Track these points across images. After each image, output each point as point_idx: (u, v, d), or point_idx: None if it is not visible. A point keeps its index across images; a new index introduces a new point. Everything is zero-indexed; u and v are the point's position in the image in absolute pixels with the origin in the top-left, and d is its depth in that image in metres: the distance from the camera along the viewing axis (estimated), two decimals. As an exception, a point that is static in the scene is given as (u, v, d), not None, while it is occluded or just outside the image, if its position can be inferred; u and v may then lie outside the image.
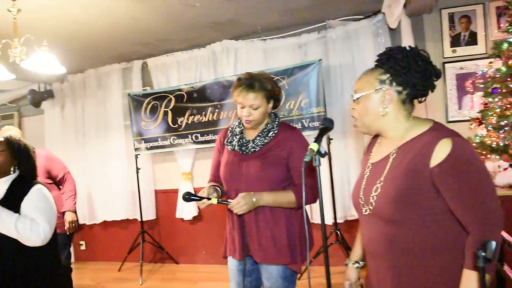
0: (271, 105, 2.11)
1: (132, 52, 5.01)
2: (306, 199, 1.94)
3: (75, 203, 3.50)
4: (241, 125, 2.20)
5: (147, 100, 4.88)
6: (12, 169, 2.16)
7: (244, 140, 2.16)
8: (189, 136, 4.73)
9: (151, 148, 4.93)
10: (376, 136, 1.61)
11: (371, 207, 1.42)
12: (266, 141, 2.09)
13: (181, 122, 4.76)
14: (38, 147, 3.58)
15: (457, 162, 1.26)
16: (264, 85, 2.04)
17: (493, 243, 1.07)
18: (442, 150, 1.28)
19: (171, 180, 5.27)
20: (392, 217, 1.35)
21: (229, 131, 2.26)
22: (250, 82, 2.04)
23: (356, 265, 1.71)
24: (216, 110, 4.59)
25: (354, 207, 1.57)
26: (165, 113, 4.81)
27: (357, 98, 1.46)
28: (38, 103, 5.58)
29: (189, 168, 5.09)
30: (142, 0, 3.48)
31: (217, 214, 5.02)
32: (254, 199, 1.98)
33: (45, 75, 5.31)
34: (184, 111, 4.73)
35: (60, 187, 3.53)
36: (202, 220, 5.15)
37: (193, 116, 4.70)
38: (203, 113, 4.65)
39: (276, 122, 2.15)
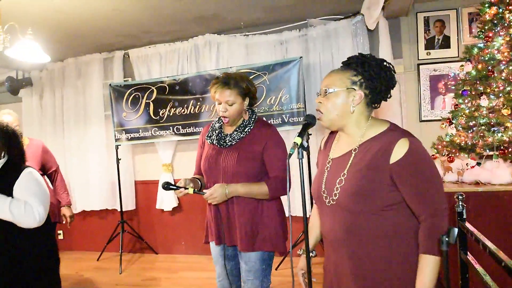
0: (246, 102, 2.27)
1: (114, 42, 5.00)
2: (277, 191, 2.20)
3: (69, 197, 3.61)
4: (221, 121, 2.36)
5: (128, 91, 4.89)
6: (2, 154, 2.16)
7: (222, 135, 2.32)
8: (171, 128, 4.78)
9: (132, 139, 4.95)
10: (334, 132, 1.73)
11: (335, 198, 1.54)
12: (242, 135, 2.25)
13: (162, 114, 4.80)
14: (33, 137, 3.59)
15: (414, 159, 1.42)
16: (239, 83, 2.20)
17: (455, 230, 1.22)
18: (400, 149, 1.42)
19: (151, 171, 5.32)
20: (354, 207, 1.48)
21: (210, 127, 2.42)
22: (226, 80, 2.21)
23: (312, 254, 1.83)
24: (198, 103, 4.65)
25: (314, 199, 1.71)
26: (147, 104, 4.84)
27: (329, 93, 1.56)
28: (16, 90, 5.49)
29: (170, 159, 5.15)
30: (127, -7, 3.50)
31: (196, 206, 5.11)
32: (226, 191, 2.15)
33: (24, 62, 5.26)
34: (166, 103, 4.77)
35: (47, 179, 3.54)
36: (182, 211, 5.23)
37: (174, 108, 4.75)
38: (185, 105, 4.71)
39: (253, 119, 2.30)
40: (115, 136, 4.99)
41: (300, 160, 1.52)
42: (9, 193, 2.05)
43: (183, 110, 4.72)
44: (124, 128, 4.96)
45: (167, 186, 2.15)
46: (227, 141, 2.26)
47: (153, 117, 4.83)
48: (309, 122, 1.62)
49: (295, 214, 4.51)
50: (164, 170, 5.14)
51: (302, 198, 1.51)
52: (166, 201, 5.12)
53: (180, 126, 4.74)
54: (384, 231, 1.46)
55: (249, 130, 2.26)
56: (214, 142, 2.31)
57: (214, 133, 2.33)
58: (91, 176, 5.36)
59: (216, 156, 2.27)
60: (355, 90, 1.53)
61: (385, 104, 1.68)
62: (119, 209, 5.11)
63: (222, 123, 2.34)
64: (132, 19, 4.20)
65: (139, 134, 4.92)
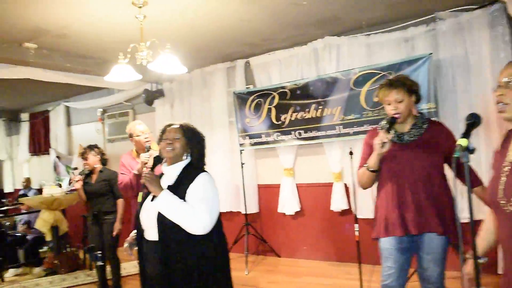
0: (413, 98, 2.38)
1: (236, 52, 5.21)
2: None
3: None
4: (387, 123, 2.35)
5: (251, 98, 5.05)
6: (184, 156, 2.18)
7: (398, 133, 2.40)
8: (292, 132, 4.82)
9: (255, 144, 5.10)
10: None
11: None
12: (422, 131, 2.36)
13: (284, 118, 4.86)
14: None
15: None
16: (403, 82, 2.34)
17: None
18: None
19: (272, 176, 5.41)
20: None
21: (378, 130, 2.45)
22: (391, 82, 2.36)
23: (482, 260, 1.66)
24: (320, 107, 4.61)
25: (489, 205, 1.59)
26: (269, 110, 4.94)
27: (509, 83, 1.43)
28: (150, 101, 6.07)
29: (291, 164, 5.18)
30: (252, 2, 3.60)
31: (318, 211, 5.06)
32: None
33: (158, 75, 5.77)
34: (287, 108, 4.82)
35: None
36: (304, 216, 5.22)
37: (296, 113, 4.77)
38: (306, 109, 4.70)
39: (426, 117, 2.44)
40: (239, 141, 5.19)
41: (466, 164, 1.40)
42: (185, 195, 2.04)
43: (304, 114, 4.71)
44: (247, 133, 5.14)
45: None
46: (407, 138, 2.36)
47: (275, 122, 4.92)
48: (474, 121, 1.49)
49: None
50: (285, 175, 5.19)
51: (468, 202, 1.37)
52: (288, 205, 5.17)
53: (302, 131, 4.74)
54: None
55: (427, 126, 2.37)
56: (395, 140, 2.37)
57: (392, 130, 2.37)
58: (217, 179, 5.61)
59: (397, 152, 2.35)
60: None
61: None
62: (243, 212, 5.29)
63: (390, 123, 2.33)
64: (254, 28, 4.33)
65: (262, 139, 5.05)
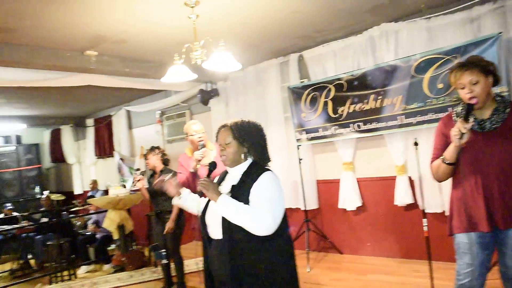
0: (490, 80, 2.16)
1: (289, 46, 5.13)
2: None
3: None
4: (463, 109, 2.18)
5: (306, 92, 4.95)
6: (243, 156, 2.09)
7: (479, 120, 2.20)
8: (351, 125, 4.66)
9: (312, 138, 5.00)
10: None
11: None
12: (505, 117, 2.15)
13: (341, 111, 4.71)
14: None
15: None
16: (477, 62, 2.15)
17: None
18: None
19: (331, 170, 5.27)
20: None
21: (453, 117, 2.28)
22: (462, 63, 2.18)
23: None
24: (379, 97, 4.41)
25: None
26: (325, 103, 4.81)
27: None
28: (206, 101, 6.15)
29: (351, 158, 5.01)
30: (304, -8, 3.52)
31: (381, 205, 4.86)
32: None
33: (212, 75, 5.83)
34: (344, 100, 4.66)
35: None
36: (366, 211, 5.04)
37: (354, 105, 4.61)
38: (365, 101, 4.52)
39: (508, 100, 2.20)
40: (295, 136, 5.11)
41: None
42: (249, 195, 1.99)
43: (363, 106, 4.54)
44: (304, 128, 5.04)
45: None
46: (489, 125, 2.16)
47: (332, 116, 4.78)
48: None
49: None
50: (345, 169, 5.04)
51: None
52: (348, 200, 5.01)
53: (361, 123, 4.57)
54: None
55: (510, 110, 2.16)
56: (475, 128, 2.18)
57: (470, 117, 2.17)
58: (275, 176, 5.59)
59: (479, 141, 2.17)
60: None
61: None
62: (302, 208, 5.21)
63: (467, 110, 2.13)
64: (307, 20, 4.22)
65: (319, 134, 4.93)
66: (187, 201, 2.32)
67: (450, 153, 2.17)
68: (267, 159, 2.14)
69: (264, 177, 1.98)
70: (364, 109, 4.53)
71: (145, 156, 4.63)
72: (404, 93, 4.27)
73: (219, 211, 1.98)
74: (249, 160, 2.10)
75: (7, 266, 6.91)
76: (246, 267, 1.96)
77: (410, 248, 4.67)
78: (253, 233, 1.93)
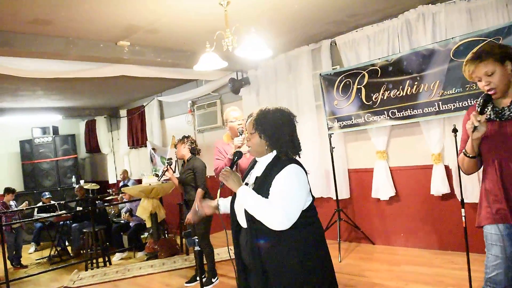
0: (509, 66, 2.02)
1: (321, 32, 5.02)
2: None
3: None
4: (486, 97, 2.07)
5: (339, 79, 4.84)
6: (266, 148, 2.04)
7: (498, 109, 2.09)
8: (385, 112, 4.53)
9: (344, 126, 4.90)
10: None
11: None
12: None
13: (375, 98, 4.58)
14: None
15: None
16: (489, 50, 2.03)
17: None
18: None
19: (364, 159, 5.16)
20: None
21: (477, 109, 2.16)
22: (475, 55, 2.06)
23: None
24: (415, 83, 4.26)
25: None
26: (358, 90, 4.70)
27: None
28: (237, 90, 6.13)
29: (384, 146, 4.88)
30: (338, -25, 3.41)
31: (415, 195, 4.73)
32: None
33: (244, 63, 5.81)
34: (378, 87, 4.53)
35: None
36: (400, 201, 4.91)
37: (388, 91, 4.47)
38: (400, 87, 4.37)
39: None
40: (327, 124, 5.02)
41: None
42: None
43: (398, 92, 4.40)
44: (336, 116, 4.95)
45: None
46: (507, 114, 2.05)
47: (366, 103, 4.66)
48: None
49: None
50: (378, 158, 4.91)
51: None
52: (382, 189, 4.89)
53: (396, 110, 4.43)
54: None
55: None
56: (492, 117, 2.09)
57: (486, 110, 2.09)
58: (305, 165, 5.51)
59: (497, 132, 2.06)
60: None
61: None
62: (334, 197, 5.13)
63: (483, 102, 2.05)
64: (340, 4, 4.11)
65: (352, 121, 4.82)
66: (227, 208, 2.28)
67: (469, 146, 2.09)
68: (293, 151, 2.06)
69: (286, 171, 1.93)
70: (399, 95, 4.39)
71: (175, 146, 4.69)
72: (442, 78, 4.11)
73: (239, 202, 1.99)
74: (274, 152, 2.05)
75: (46, 252, 7.19)
76: (270, 256, 1.94)
77: (446, 239, 4.52)
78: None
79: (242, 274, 2.13)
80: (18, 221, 6.65)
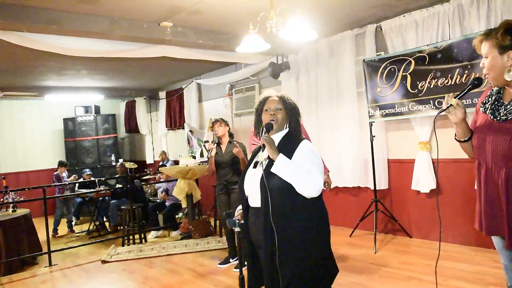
0: (507, 59, 1.77)
1: (366, 16, 4.85)
2: None
3: None
4: (476, 81, 1.93)
5: (383, 65, 4.68)
6: (285, 126, 2.26)
7: (498, 104, 1.86)
8: (431, 101, 4.35)
9: (387, 115, 4.75)
10: None
11: None
12: None
13: (421, 86, 4.40)
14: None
15: None
16: (494, 32, 1.79)
17: None
18: None
19: (405, 149, 5.00)
20: None
21: (489, 91, 1.97)
22: (486, 30, 1.86)
23: None
24: (465, 72, 4.06)
25: None
26: (403, 77, 4.53)
27: None
28: (277, 74, 6.06)
29: (427, 137, 4.70)
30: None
31: (458, 189, 4.54)
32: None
33: (284, 47, 5.72)
34: (425, 75, 4.35)
35: None
36: (441, 194, 4.73)
37: (436, 80, 4.28)
38: (449, 75, 4.18)
39: None
40: (369, 112, 4.89)
41: None
42: None
43: (446, 80, 4.20)
44: (378, 104, 4.80)
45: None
46: (501, 113, 1.81)
47: (411, 91, 4.49)
48: None
49: None
50: (420, 149, 4.74)
51: None
52: (423, 182, 4.74)
53: (443, 99, 4.24)
54: None
55: None
56: (487, 112, 1.88)
57: (490, 99, 1.90)
58: (343, 153, 5.44)
59: (486, 130, 1.85)
60: None
61: None
62: (371, 188, 5.02)
63: (478, 82, 1.91)
64: (389, -14, 3.95)
65: (394, 110, 4.67)
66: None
67: (456, 129, 1.97)
68: (300, 133, 2.28)
69: (304, 144, 2.15)
70: (448, 84, 4.19)
71: (211, 129, 4.74)
72: (495, 67, 3.89)
73: (277, 169, 2.04)
74: (286, 130, 2.26)
75: (85, 226, 7.47)
76: (281, 233, 2.01)
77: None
78: (289, 199, 2.02)
79: (249, 252, 2.25)
80: (70, 193, 7.46)
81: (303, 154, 2.09)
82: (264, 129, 2.18)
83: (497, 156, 1.79)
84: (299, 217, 2.05)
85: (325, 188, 3.61)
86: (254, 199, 2.15)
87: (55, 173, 7.66)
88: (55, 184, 7.32)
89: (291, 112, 2.25)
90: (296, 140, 2.18)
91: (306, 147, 2.13)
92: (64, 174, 7.75)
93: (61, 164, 7.84)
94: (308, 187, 2.01)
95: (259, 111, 2.30)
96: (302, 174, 2.00)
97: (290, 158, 2.07)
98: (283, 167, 2.03)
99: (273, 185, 2.03)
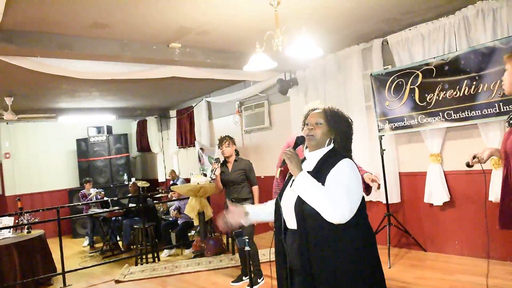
0: None
1: (372, 31, 4.89)
2: None
3: None
4: None
5: (391, 79, 4.70)
6: (327, 141, 2.04)
7: None
8: (440, 114, 4.34)
9: (396, 128, 4.74)
10: None
11: None
12: None
13: (430, 99, 4.40)
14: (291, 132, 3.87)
15: None
16: None
17: None
18: None
19: (416, 162, 4.97)
20: None
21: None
22: None
23: None
24: (474, 83, 4.05)
25: None
26: (411, 90, 4.53)
27: None
28: (285, 91, 6.11)
29: (438, 149, 4.68)
30: (392, -28, 3.31)
31: (471, 201, 4.48)
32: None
33: (292, 64, 5.78)
34: (433, 87, 4.35)
35: None
36: (454, 207, 4.67)
37: (444, 92, 4.28)
38: (457, 87, 4.17)
39: None
40: (378, 126, 4.88)
41: None
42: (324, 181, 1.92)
43: (454, 92, 4.20)
44: (387, 118, 4.80)
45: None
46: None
47: (419, 104, 4.49)
48: None
49: None
50: (432, 161, 4.71)
51: None
52: (435, 194, 4.69)
53: (452, 111, 4.23)
54: None
55: None
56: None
57: None
58: (354, 167, 5.41)
59: (506, 139, 1.93)
60: None
61: None
62: (383, 201, 4.98)
63: None
64: (394, 1, 3.98)
65: (404, 123, 4.66)
66: (258, 215, 2.30)
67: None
68: (348, 150, 2.08)
69: (342, 164, 1.91)
70: (456, 96, 4.19)
71: (221, 144, 4.77)
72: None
73: (297, 187, 1.91)
74: (330, 146, 2.04)
75: (98, 246, 7.51)
76: (319, 258, 1.87)
77: (506, 249, 4.25)
78: (327, 221, 1.84)
79: (286, 277, 2.05)
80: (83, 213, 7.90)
81: (336, 175, 1.89)
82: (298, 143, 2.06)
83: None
84: (337, 240, 1.87)
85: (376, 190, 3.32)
86: (290, 221, 1.99)
87: (82, 191, 8.02)
88: (81, 203, 7.80)
89: (335, 127, 2.04)
90: (337, 158, 1.95)
91: (342, 167, 1.90)
92: (92, 190, 8.02)
93: (85, 181, 8.20)
94: (329, 212, 1.82)
95: (302, 125, 2.16)
96: (324, 197, 1.83)
97: (325, 178, 1.90)
98: (301, 186, 1.89)
99: (308, 206, 1.87)
